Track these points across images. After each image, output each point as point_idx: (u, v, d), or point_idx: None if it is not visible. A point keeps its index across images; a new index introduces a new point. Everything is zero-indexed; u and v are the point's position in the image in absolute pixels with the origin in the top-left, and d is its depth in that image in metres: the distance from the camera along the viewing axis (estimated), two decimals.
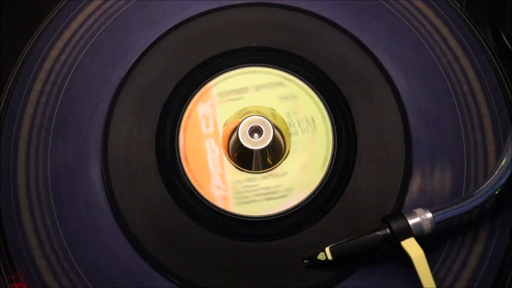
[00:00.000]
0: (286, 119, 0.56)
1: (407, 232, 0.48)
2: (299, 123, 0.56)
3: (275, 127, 0.54)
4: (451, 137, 0.55)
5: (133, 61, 0.58)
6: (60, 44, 0.58)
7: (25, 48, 0.58)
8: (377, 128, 0.55)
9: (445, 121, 0.55)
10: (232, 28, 0.59)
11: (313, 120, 0.56)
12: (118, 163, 0.54)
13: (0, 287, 0.51)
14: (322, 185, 0.54)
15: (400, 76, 0.57)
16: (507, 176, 0.49)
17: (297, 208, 0.53)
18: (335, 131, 0.55)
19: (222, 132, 0.55)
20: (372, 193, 0.53)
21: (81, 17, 0.59)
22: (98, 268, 0.51)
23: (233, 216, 0.53)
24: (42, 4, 0.60)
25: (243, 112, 0.56)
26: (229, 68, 0.58)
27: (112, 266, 0.51)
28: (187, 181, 0.54)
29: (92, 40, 0.58)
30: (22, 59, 0.58)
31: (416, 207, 0.50)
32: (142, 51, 0.58)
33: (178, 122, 0.56)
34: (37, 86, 0.57)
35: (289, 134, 0.55)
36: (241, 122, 0.54)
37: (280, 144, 0.55)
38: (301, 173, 0.54)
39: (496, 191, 0.49)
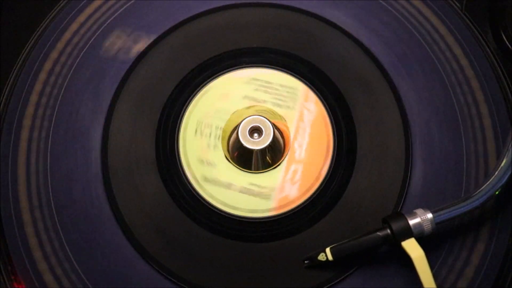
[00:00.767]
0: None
1: (408, 232, 0.48)
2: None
3: (275, 127, 0.54)
4: (451, 137, 0.55)
5: (133, 61, 0.58)
6: (60, 44, 0.58)
7: (25, 48, 0.58)
8: (377, 128, 0.55)
9: (445, 121, 0.56)
10: (232, 28, 0.59)
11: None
12: (118, 163, 0.54)
13: (0, 287, 0.51)
14: (323, 185, 0.54)
15: (400, 76, 0.57)
16: (507, 176, 0.49)
17: (297, 209, 0.53)
18: (335, 131, 0.55)
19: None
20: (372, 193, 0.53)
21: (81, 17, 0.59)
22: (98, 268, 0.51)
23: (233, 217, 0.53)
24: (42, 4, 0.60)
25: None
26: (229, 69, 0.57)
27: (112, 266, 0.51)
28: (187, 182, 0.54)
29: (92, 40, 0.58)
30: (22, 59, 0.58)
31: (416, 207, 0.50)
32: (142, 51, 0.58)
33: (178, 122, 0.56)
34: (37, 86, 0.57)
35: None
36: (241, 122, 0.54)
37: (280, 144, 0.55)
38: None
39: (496, 191, 0.49)
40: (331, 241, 0.50)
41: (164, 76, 0.57)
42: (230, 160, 0.55)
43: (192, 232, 0.52)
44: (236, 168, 0.54)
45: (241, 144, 0.53)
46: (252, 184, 0.54)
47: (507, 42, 0.58)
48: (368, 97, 0.56)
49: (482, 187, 0.50)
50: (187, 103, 0.56)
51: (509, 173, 0.49)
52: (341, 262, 0.50)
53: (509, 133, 0.52)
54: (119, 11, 0.59)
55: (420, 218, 0.48)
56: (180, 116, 0.56)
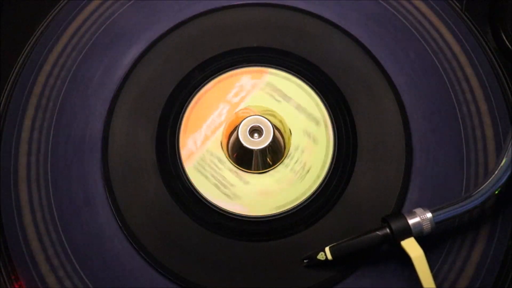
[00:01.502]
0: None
1: (407, 232, 0.48)
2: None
3: (275, 127, 0.54)
4: (451, 137, 0.55)
5: (133, 61, 0.58)
6: (60, 44, 0.58)
7: (25, 48, 0.58)
8: (377, 128, 0.55)
9: (445, 121, 0.55)
10: (232, 28, 0.59)
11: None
12: (118, 163, 0.54)
13: (0, 287, 0.51)
14: (323, 185, 0.54)
15: (400, 76, 0.57)
16: (507, 175, 0.49)
17: (297, 208, 0.53)
18: (336, 131, 0.55)
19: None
20: (372, 193, 0.53)
21: (80, 18, 0.59)
22: (98, 267, 0.51)
23: (233, 216, 0.53)
24: (42, 4, 0.60)
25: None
26: (229, 68, 0.58)
27: (112, 266, 0.51)
28: (187, 181, 0.54)
29: (92, 40, 0.59)
30: (22, 59, 0.58)
31: (416, 207, 0.50)
32: (142, 51, 0.58)
33: (178, 122, 0.56)
34: (37, 87, 0.57)
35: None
36: (241, 122, 0.54)
37: (280, 144, 0.55)
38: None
39: (496, 190, 0.49)
40: (330, 240, 0.50)
41: (164, 76, 0.57)
42: (230, 160, 0.55)
43: (193, 232, 0.52)
44: (236, 168, 0.55)
45: (241, 144, 0.53)
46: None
47: (507, 42, 0.58)
48: (368, 97, 0.56)
49: (482, 187, 0.50)
50: (187, 103, 0.56)
51: (508, 173, 0.49)
52: (341, 262, 0.50)
53: (509, 132, 0.52)
54: (119, 11, 0.60)
55: (420, 218, 0.48)
56: (180, 116, 0.56)
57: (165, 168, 0.54)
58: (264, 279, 0.51)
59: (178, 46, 0.58)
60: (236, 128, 0.54)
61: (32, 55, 0.58)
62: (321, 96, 0.56)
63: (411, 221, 0.48)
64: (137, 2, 0.60)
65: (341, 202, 0.53)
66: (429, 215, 0.49)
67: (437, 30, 0.59)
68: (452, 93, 0.56)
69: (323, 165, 0.54)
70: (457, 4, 0.60)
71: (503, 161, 0.50)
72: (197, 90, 0.57)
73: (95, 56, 0.58)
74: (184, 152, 0.55)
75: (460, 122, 0.55)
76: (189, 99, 0.56)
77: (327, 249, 0.50)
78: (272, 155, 0.54)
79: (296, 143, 0.55)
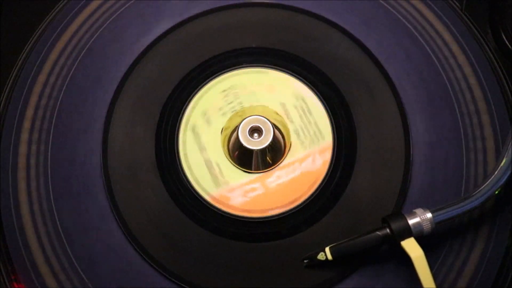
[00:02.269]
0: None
1: (407, 232, 0.48)
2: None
3: (275, 127, 0.54)
4: (451, 137, 0.55)
5: (133, 61, 0.58)
6: (60, 44, 0.58)
7: (25, 48, 0.58)
8: (377, 128, 0.55)
9: (445, 121, 0.55)
10: (232, 28, 0.59)
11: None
12: (118, 163, 0.54)
13: (0, 287, 0.51)
14: (323, 185, 0.54)
15: (400, 76, 0.57)
16: (507, 176, 0.49)
17: (297, 209, 0.53)
18: (335, 131, 0.55)
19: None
20: (372, 193, 0.53)
21: (81, 18, 0.59)
22: (98, 267, 0.51)
23: (233, 217, 0.53)
24: (42, 4, 0.60)
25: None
26: (229, 69, 0.57)
27: (112, 266, 0.51)
28: (186, 181, 0.54)
29: (92, 40, 0.58)
30: (22, 59, 0.58)
31: (416, 207, 0.50)
32: (142, 51, 0.58)
33: (178, 122, 0.56)
34: (37, 87, 0.57)
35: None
36: (241, 122, 0.54)
37: (280, 144, 0.55)
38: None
39: (496, 191, 0.49)
40: (330, 240, 0.50)
41: (164, 76, 0.57)
42: (230, 160, 0.55)
43: (192, 232, 0.52)
44: (236, 168, 0.55)
45: (241, 144, 0.53)
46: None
47: (507, 42, 0.58)
48: (368, 97, 0.56)
49: (482, 187, 0.50)
50: (187, 103, 0.56)
51: (508, 173, 0.49)
52: (341, 262, 0.50)
53: (508, 132, 0.52)
54: (119, 11, 0.60)
55: (420, 218, 0.48)
56: (180, 116, 0.56)
57: (165, 168, 0.54)
58: (264, 280, 0.51)
59: (178, 46, 0.58)
60: (236, 128, 0.54)
61: (32, 55, 0.58)
62: (321, 96, 0.56)
63: (411, 221, 0.48)
64: (137, 2, 0.60)
65: (341, 202, 0.53)
66: (429, 215, 0.49)
67: (437, 30, 0.59)
68: (451, 92, 0.56)
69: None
70: (457, 4, 0.60)
71: (503, 161, 0.50)
72: (197, 90, 0.57)
73: (95, 56, 0.58)
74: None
75: (460, 122, 0.55)
76: (189, 99, 0.56)
77: (327, 249, 0.50)
78: (272, 155, 0.54)
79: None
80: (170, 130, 0.55)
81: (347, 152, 0.55)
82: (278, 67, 0.57)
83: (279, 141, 0.55)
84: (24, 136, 0.55)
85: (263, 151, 0.53)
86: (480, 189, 0.50)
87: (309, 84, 0.57)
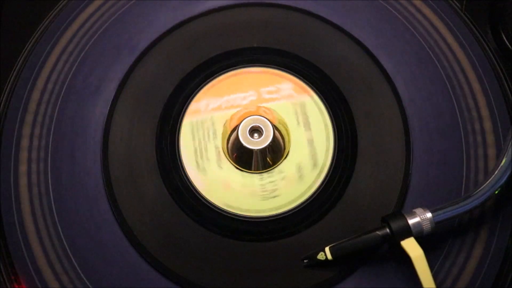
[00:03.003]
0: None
1: (407, 232, 0.48)
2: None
3: (275, 127, 0.54)
4: (451, 137, 0.55)
5: (133, 61, 0.58)
6: (60, 44, 0.58)
7: (25, 48, 0.58)
8: (377, 128, 0.55)
9: (445, 121, 0.55)
10: (232, 28, 0.59)
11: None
12: (118, 163, 0.54)
13: (0, 287, 0.51)
14: (323, 185, 0.54)
15: (400, 76, 0.57)
16: (507, 175, 0.49)
17: (297, 208, 0.53)
18: (336, 131, 0.55)
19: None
20: (372, 193, 0.53)
21: (81, 18, 0.59)
22: (98, 268, 0.51)
23: (233, 216, 0.53)
24: (42, 4, 0.60)
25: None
26: (229, 69, 0.58)
27: (112, 266, 0.51)
28: (187, 181, 0.54)
29: (92, 40, 0.59)
30: (22, 59, 0.58)
31: (416, 207, 0.50)
32: (142, 51, 0.58)
33: (178, 122, 0.56)
34: (37, 87, 0.57)
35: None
36: (241, 122, 0.54)
37: (280, 144, 0.55)
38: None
39: (496, 191, 0.49)
40: (330, 240, 0.50)
41: (164, 77, 0.57)
42: (230, 160, 0.55)
43: (193, 232, 0.52)
44: (236, 168, 0.55)
45: (241, 144, 0.53)
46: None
47: (507, 42, 0.58)
48: (368, 97, 0.56)
49: (482, 187, 0.50)
50: (187, 103, 0.56)
51: (508, 173, 0.49)
52: (341, 262, 0.50)
53: (509, 132, 0.52)
54: (120, 11, 0.60)
55: (420, 218, 0.48)
56: (181, 116, 0.56)
57: (166, 168, 0.54)
58: (264, 279, 0.51)
59: (178, 46, 0.58)
60: (236, 128, 0.54)
61: (32, 55, 0.58)
62: (321, 96, 0.56)
63: (411, 221, 0.48)
64: (137, 3, 0.60)
65: (341, 202, 0.53)
66: (429, 215, 0.49)
67: (437, 30, 0.59)
68: (451, 92, 0.56)
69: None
70: (457, 4, 0.60)
71: (503, 161, 0.50)
72: (197, 90, 0.57)
73: (95, 56, 0.58)
74: (191, 107, 0.55)
75: (460, 122, 0.55)
76: (189, 99, 0.56)
77: (327, 249, 0.50)
78: (272, 155, 0.54)
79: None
80: (171, 131, 0.55)
81: (347, 152, 0.55)
82: (278, 67, 0.57)
83: (279, 142, 0.55)
84: (25, 135, 0.55)
85: (263, 151, 0.53)
86: (480, 189, 0.49)
87: (310, 84, 0.57)
